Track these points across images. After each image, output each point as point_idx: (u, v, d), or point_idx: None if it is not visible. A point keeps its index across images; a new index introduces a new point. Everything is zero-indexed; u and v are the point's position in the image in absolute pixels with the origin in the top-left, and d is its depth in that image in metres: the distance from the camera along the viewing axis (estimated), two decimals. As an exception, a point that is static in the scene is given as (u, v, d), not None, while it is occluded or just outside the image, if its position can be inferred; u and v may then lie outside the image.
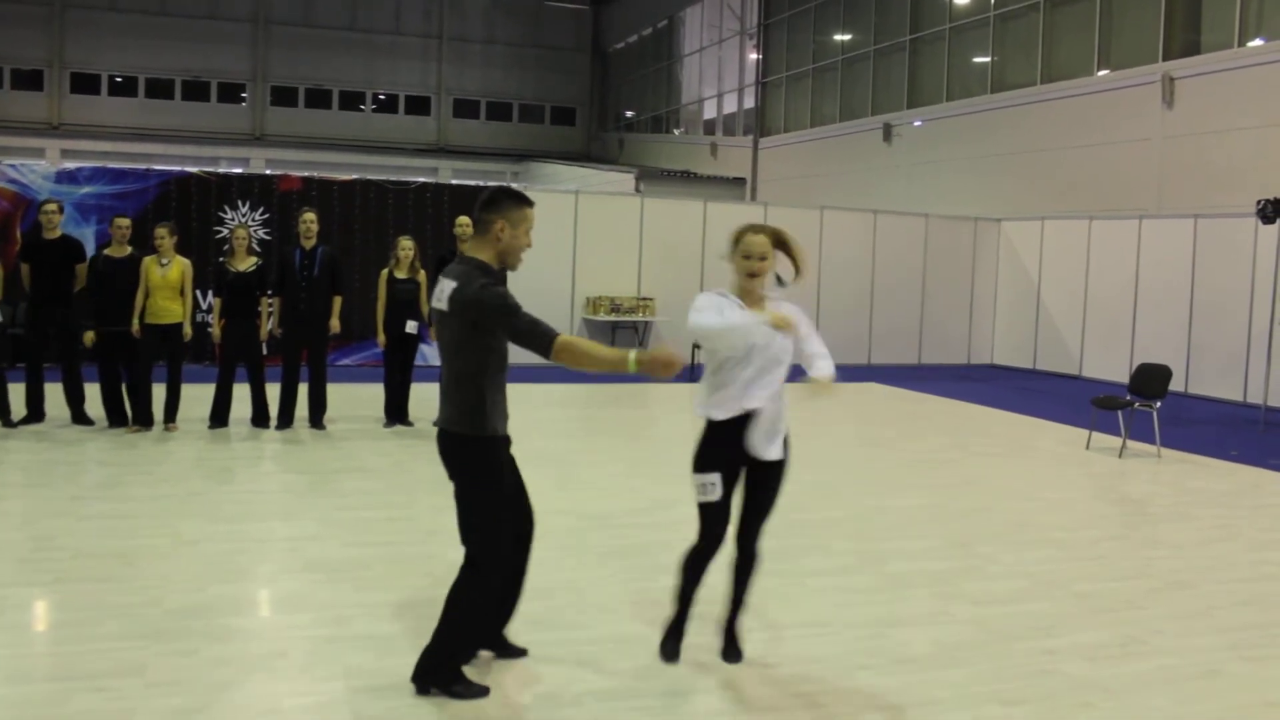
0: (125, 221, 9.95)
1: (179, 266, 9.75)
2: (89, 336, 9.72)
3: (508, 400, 4.29)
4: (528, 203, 4.31)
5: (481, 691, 4.24)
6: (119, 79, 38.24)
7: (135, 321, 9.64)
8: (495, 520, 4.19)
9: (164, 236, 9.70)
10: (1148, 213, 16.76)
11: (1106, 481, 9.35)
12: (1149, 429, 10.76)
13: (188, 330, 9.86)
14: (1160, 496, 8.82)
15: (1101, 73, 18.92)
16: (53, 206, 10.10)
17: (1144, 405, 10.59)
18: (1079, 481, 9.30)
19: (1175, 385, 12.38)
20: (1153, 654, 5.05)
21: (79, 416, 10.00)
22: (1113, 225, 16.92)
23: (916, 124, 23.90)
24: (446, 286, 4.14)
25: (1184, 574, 6.42)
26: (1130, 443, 10.71)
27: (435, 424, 4.33)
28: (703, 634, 4.88)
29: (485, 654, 4.59)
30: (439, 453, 4.26)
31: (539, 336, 4.01)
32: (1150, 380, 10.73)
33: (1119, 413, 10.85)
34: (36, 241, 10.01)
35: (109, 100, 38.15)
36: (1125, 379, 13.20)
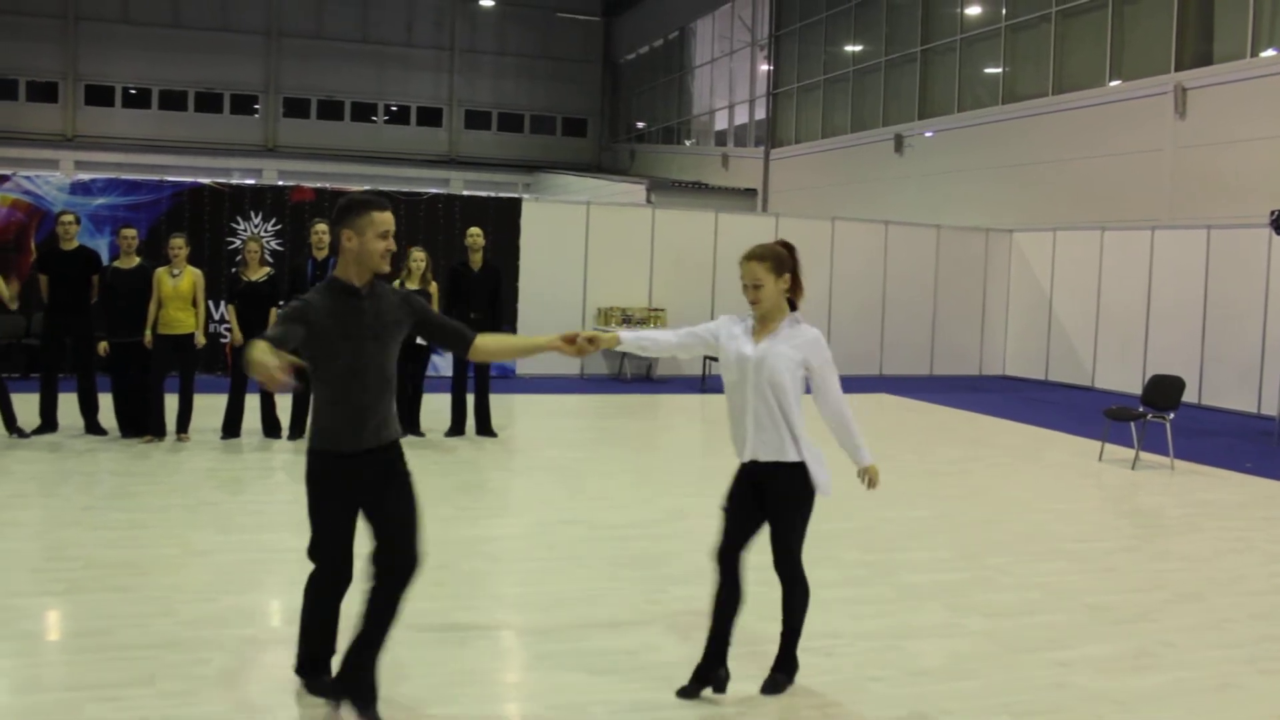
0: (131, 232, 9.99)
1: (190, 277, 9.78)
2: (102, 347, 9.77)
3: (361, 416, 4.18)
4: (372, 206, 4.08)
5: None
6: (133, 91, 38.44)
7: (147, 332, 9.68)
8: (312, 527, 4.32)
9: (180, 247, 9.74)
10: (1160, 223, 16.72)
11: (1119, 493, 9.31)
12: (1162, 440, 10.71)
13: (200, 340, 9.90)
14: (1173, 508, 8.78)
15: (1113, 83, 18.89)
16: (69, 217, 10.15)
17: (1157, 417, 10.55)
18: (1091, 493, 9.27)
19: (1188, 396, 12.33)
20: (1166, 667, 5.03)
21: (92, 426, 10.03)
22: (1125, 236, 16.88)
23: (928, 135, 23.89)
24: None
25: (1197, 586, 6.39)
26: (1143, 454, 10.66)
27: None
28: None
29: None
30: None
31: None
32: (1163, 391, 10.68)
33: (1132, 424, 10.80)
34: (54, 252, 10.06)
35: (123, 112, 38.34)
36: (1138, 390, 13.15)
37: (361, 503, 4.19)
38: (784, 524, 4.50)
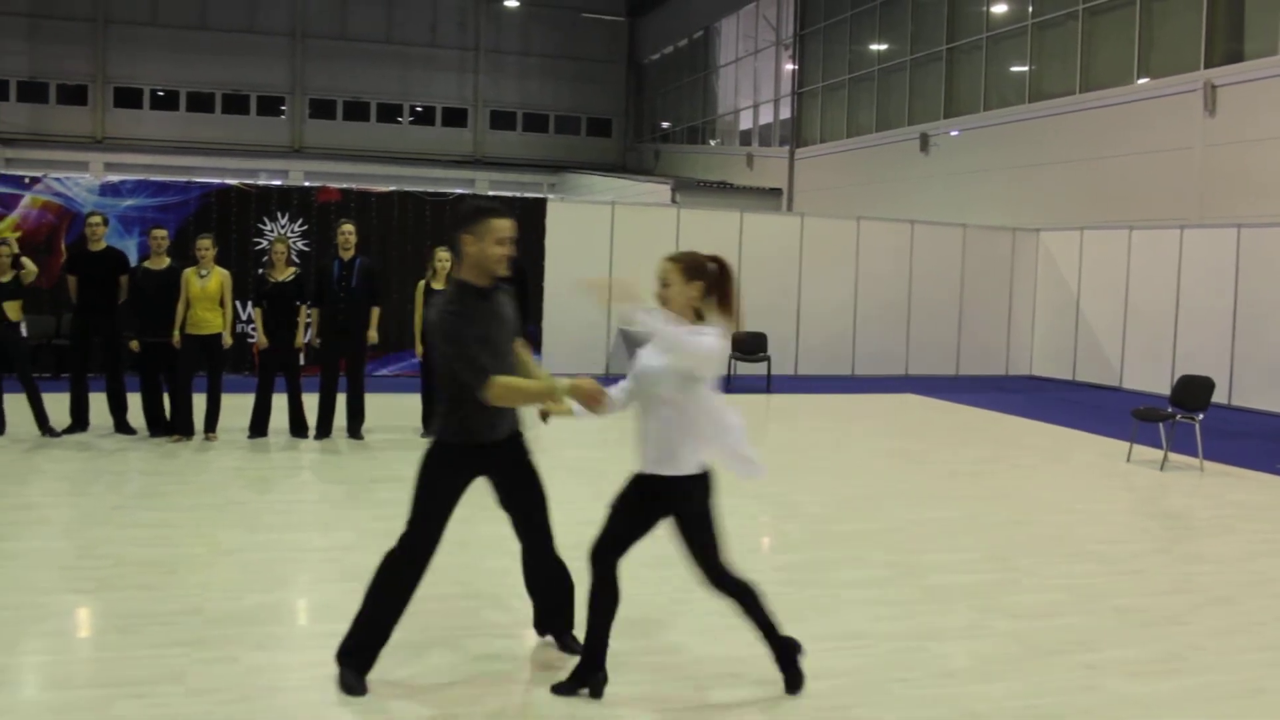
0: (162, 232, 10.08)
1: (218, 277, 9.85)
2: (134, 344, 9.86)
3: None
4: (492, 214, 4.34)
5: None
6: (160, 93, 38.74)
7: (176, 333, 9.75)
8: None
9: (207, 248, 9.81)
10: (1189, 222, 16.58)
11: (1147, 495, 9.25)
12: (1191, 442, 10.63)
13: (227, 340, 9.96)
14: (1202, 510, 8.71)
15: (1141, 80, 18.75)
16: (97, 219, 10.24)
17: (1186, 417, 10.47)
18: (1119, 494, 9.20)
19: (1218, 397, 12.23)
20: (1195, 670, 4.99)
21: (121, 426, 10.12)
22: (1153, 235, 16.75)
23: (953, 134, 23.78)
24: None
25: (1226, 589, 6.33)
26: (1172, 455, 10.58)
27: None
28: (738, 645, 4.87)
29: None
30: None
31: (474, 372, 4.17)
32: (1192, 392, 10.60)
33: (1160, 425, 10.72)
34: (82, 253, 10.16)
35: (151, 114, 38.64)
36: (1166, 391, 13.05)
37: (498, 491, 4.64)
38: (685, 542, 4.43)
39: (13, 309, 9.74)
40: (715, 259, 4.36)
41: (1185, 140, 17.51)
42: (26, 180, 14.46)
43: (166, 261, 9.96)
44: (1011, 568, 6.63)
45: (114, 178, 15.60)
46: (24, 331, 9.92)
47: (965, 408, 14.56)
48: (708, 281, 4.31)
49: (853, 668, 4.84)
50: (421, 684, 4.47)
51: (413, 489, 4.44)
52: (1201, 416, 10.46)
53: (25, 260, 9.93)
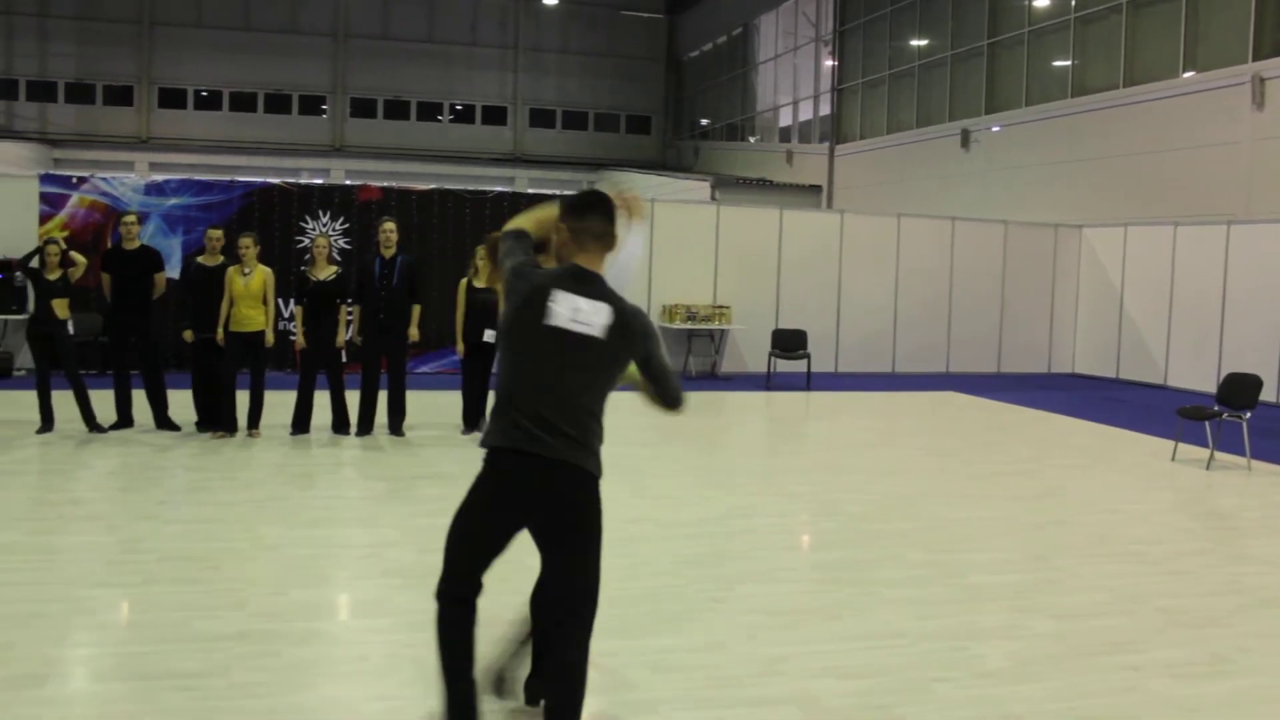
0: (218, 233, 10.23)
1: (261, 275, 9.96)
2: (188, 334, 10.00)
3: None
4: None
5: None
6: (204, 93, 39.17)
7: (220, 330, 9.87)
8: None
9: (249, 246, 9.92)
10: (1236, 218, 16.35)
11: (1193, 494, 9.13)
12: (1238, 440, 10.49)
13: (270, 338, 10.07)
14: (1249, 510, 8.60)
15: (1187, 74, 18.51)
16: (131, 218, 10.41)
17: (1233, 416, 10.33)
18: (1164, 494, 9.10)
19: (1266, 395, 12.06)
20: (1241, 673, 4.93)
21: (163, 422, 10.25)
22: (1199, 231, 16.53)
23: (995, 129, 23.58)
24: (595, 307, 3.57)
25: (1274, 591, 6.25)
26: (1218, 454, 10.45)
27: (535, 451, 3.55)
28: (776, 644, 4.86)
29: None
30: (556, 488, 3.58)
31: (675, 382, 3.73)
32: (1239, 390, 10.45)
33: (1206, 423, 10.58)
34: (116, 252, 10.31)
35: (195, 114, 39.09)
36: (1213, 389, 12.89)
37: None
38: None
39: (60, 307, 9.89)
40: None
41: (1233, 135, 17.26)
42: (74, 180, 14.68)
43: (221, 259, 10.10)
44: (1053, 567, 6.57)
45: (159, 177, 15.80)
46: (71, 329, 10.08)
47: (1007, 406, 14.44)
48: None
49: (891, 667, 4.82)
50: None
51: (593, 537, 3.68)
52: (1249, 415, 10.32)
53: (75, 255, 10.09)
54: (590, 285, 3.60)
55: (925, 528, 7.48)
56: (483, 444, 3.65)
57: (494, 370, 10.93)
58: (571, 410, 3.56)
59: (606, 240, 3.68)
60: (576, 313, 3.53)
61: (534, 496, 3.57)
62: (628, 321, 3.59)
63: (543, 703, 3.72)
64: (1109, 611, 5.73)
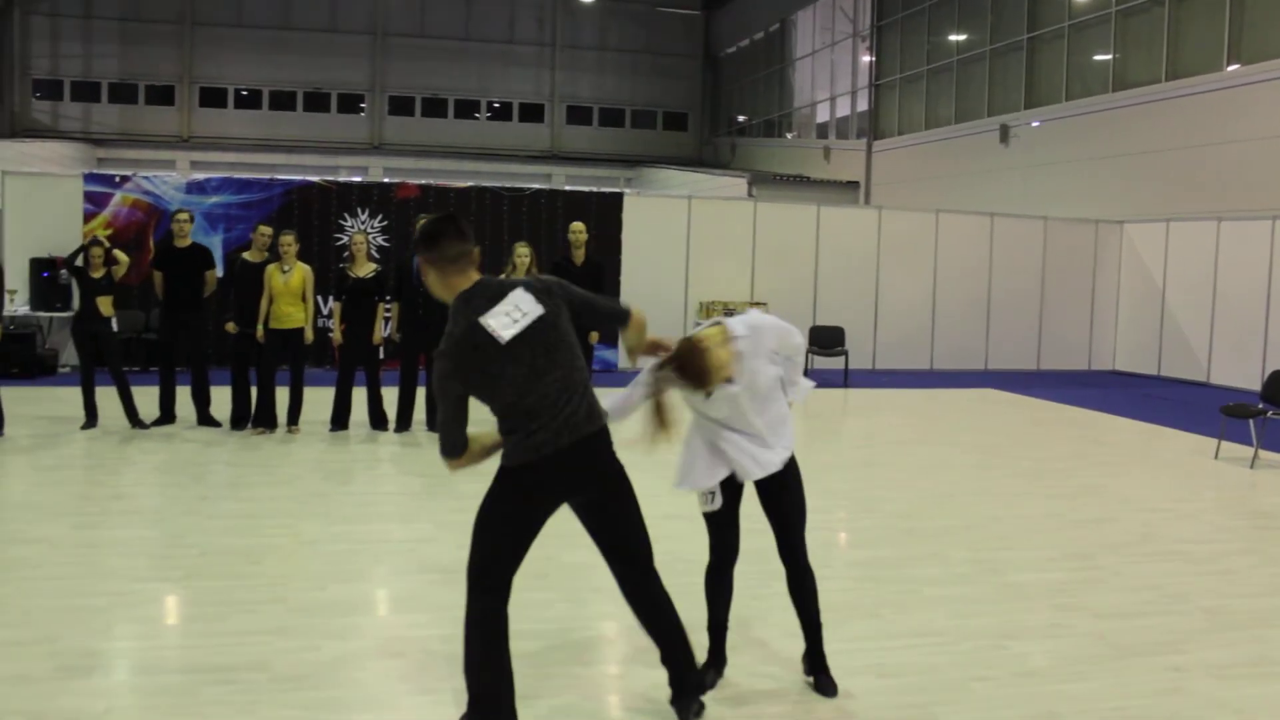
0: (268, 230, 10.33)
1: (300, 273, 10.03)
2: (230, 326, 10.09)
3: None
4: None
5: None
6: (244, 92, 39.53)
7: (259, 327, 9.96)
8: None
9: (290, 244, 9.99)
10: (1281, 213, 16.12)
11: (1237, 493, 9.01)
12: (1283, 438, 10.34)
13: (309, 335, 10.13)
14: (1295, 509, 8.47)
15: (1231, 67, 18.25)
16: (184, 216, 10.51)
17: (1277, 414, 10.18)
18: (1207, 493, 8.98)
19: (1311, 393, 11.86)
20: (1287, 673, 4.86)
21: (205, 418, 10.36)
22: (1243, 226, 16.30)
23: (1034, 125, 23.37)
24: (512, 301, 3.68)
25: (1321, 590, 6.15)
26: (1262, 453, 10.30)
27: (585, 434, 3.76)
28: (824, 641, 4.83)
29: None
30: (596, 459, 3.82)
31: (607, 303, 4.11)
32: (1284, 387, 10.31)
33: (1250, 421, 10.44)
34: (168, 249, 10.42)
35: (235, 113, 39.45)
36: (1257, 386, 12.70)
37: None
38: (792, 507, 4.50)
39: (104, 304, 10.02)
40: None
41: (1277, 128, 17.00)
42: (117, 179, 14.86)
43: (265, 255, 10.19)
44: (1095, 566, 6.50)
45: (200, 176, 15.95)
46: (115, 326, 10.20)
47: (1047, 403, 14.31)
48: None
49: (931, 665, 4.79)
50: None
51: (627, 486, 3.93)
52: (1294, 413, 10.17)
53: (118, 253, 10.21)
54: (489, 291, 3.69)
55: (965, 525, 7.42)
56: (510, 463, 3.74)
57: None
58: (568, 388, 3.72)
59: (462, 261, 3.72)
60: (507, 316, 3.64)
61: (570, 483, 3.78)
62: (544, 286, 3.74)
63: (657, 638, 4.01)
64: (1152, 611, 5.66)
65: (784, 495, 4.43)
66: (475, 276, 3.74)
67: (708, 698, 4.22)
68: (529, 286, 3.72)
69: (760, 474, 4.32)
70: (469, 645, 3.82)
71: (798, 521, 4.45)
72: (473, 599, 3.85)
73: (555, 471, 3.71)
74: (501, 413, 3.72)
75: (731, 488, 4.38)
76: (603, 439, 3.82)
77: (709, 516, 4.45)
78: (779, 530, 4.46)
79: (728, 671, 4.58)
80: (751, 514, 4.49)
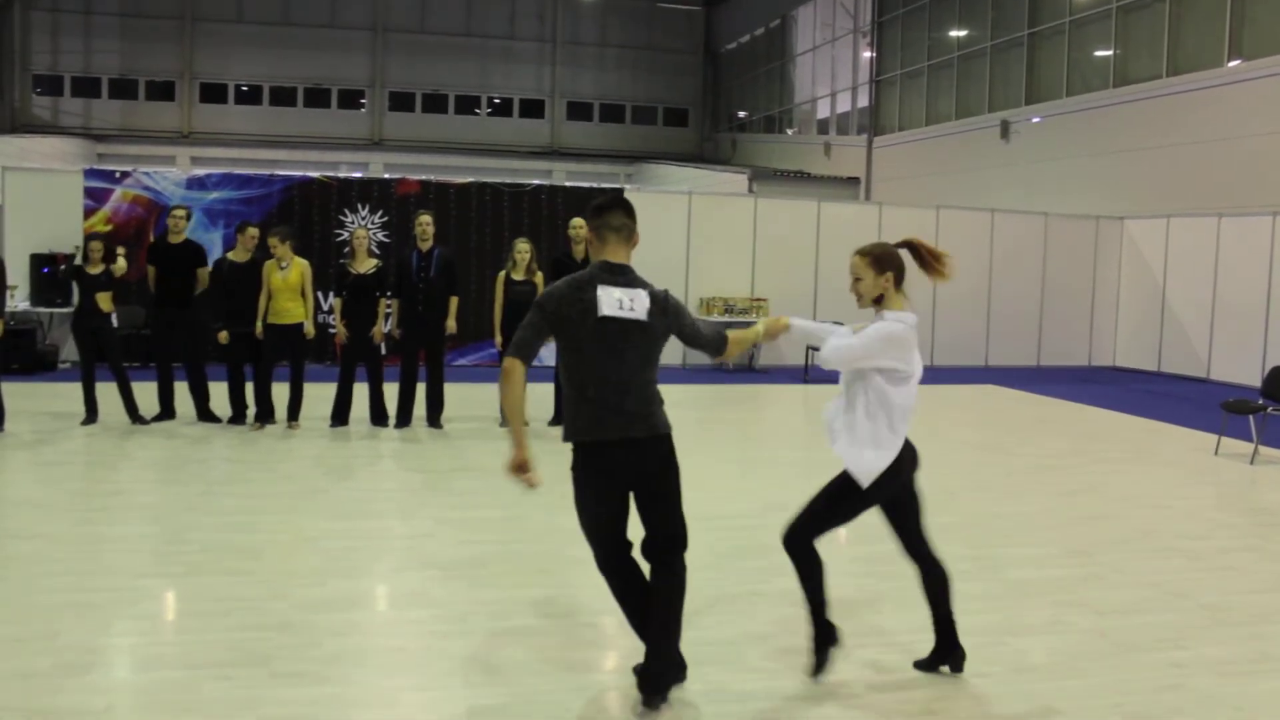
0: (254, 231, 10.31)
1: (298, 268, 10.02)
2: (222, 336, 10.07)
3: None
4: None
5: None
6: (245, 88, 39.52)
7: (259, 324, 9.95)
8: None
9: (276, 245, 9.97)
10: (1282, 209, 16.11)
11: (1237, 489, 9.01)
12: (1283, 435, 10.34)
13: (309, 330, 10.12)
14: (1295, 505, 8.47)
15: (1233, 63, 18.23)
16: (181, 212, 10.50)
17: (1278, 410, 10.18)
18: (1207, 489, 8.98)
19: (1312, 389, 11.85)
20: (1287, 669, 4.86)
21: (204, 414, 10.36)
22: (1244, 223, 16.29)
23: (1035, 121, 23.35)
24: (633, 295, 4.10)
25: (1321, 586, 6.15)
26: (1263, 449, 10.30)
27: (628, 434, 4.10)
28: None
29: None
30: (648, 458, 4.15)
31: (712, 331, 4.42)
32: (1285, 384, 10.30)
33: (1251, 417, 10.44)
34: (162, 245, 10.41)
35: (235, 109, 39.45)
36: (1257, 382, 12.70)
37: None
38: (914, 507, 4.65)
39: (104, 300, 10.01)
40: (907, 243, 4.51)
41: (1279, 124, 16.98)
42: (117, 175, 14.86)
43: (249, 256, 10.17)
44: (1095, 563, 6.50)
45: (200, 171, 15.95)
46: (115, 322, 10.19)
47: (1047, 399, 14.32)
48: (898, 271, 4.41)
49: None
50: (499, 679, 4.50)
51: (677, 485, 4.27)
52: (1295, 409, 10.17)
53: (120, 259, 10.18)
54: (623, 275, 4.13)
55: (966, 522, 7.42)
56: (571, 439, 4.16)
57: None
58: (639, 387, 4.11)
59: (624, 232, 4.20)
60: (620, 303, 4.04)
61: (633, 473, 4.14)
62: (664, 302, 4.16)
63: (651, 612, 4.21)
64: (1153, 607, 5.67)
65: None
66: (625, 257, 4.20)
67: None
68: (657, 297, 4.14)
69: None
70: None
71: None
72: (603, 573, 4.33)
73: (621, 459, 4.10)
74: (573, 380, 4.11)
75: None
76: (658, 446, 4.18)
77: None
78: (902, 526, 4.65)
79: (728, 666, 4.57)
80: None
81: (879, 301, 4.44)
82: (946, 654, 4.63)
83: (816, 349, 4.56)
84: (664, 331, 4.16)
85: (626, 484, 4.15)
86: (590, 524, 4.21)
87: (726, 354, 4.42)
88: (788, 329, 4.68)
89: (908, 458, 4.48)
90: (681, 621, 4.21)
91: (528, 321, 4.08)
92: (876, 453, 4.36)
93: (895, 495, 4.52)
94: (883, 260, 4.41)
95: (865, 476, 4.36)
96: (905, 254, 4.48)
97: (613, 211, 4.19)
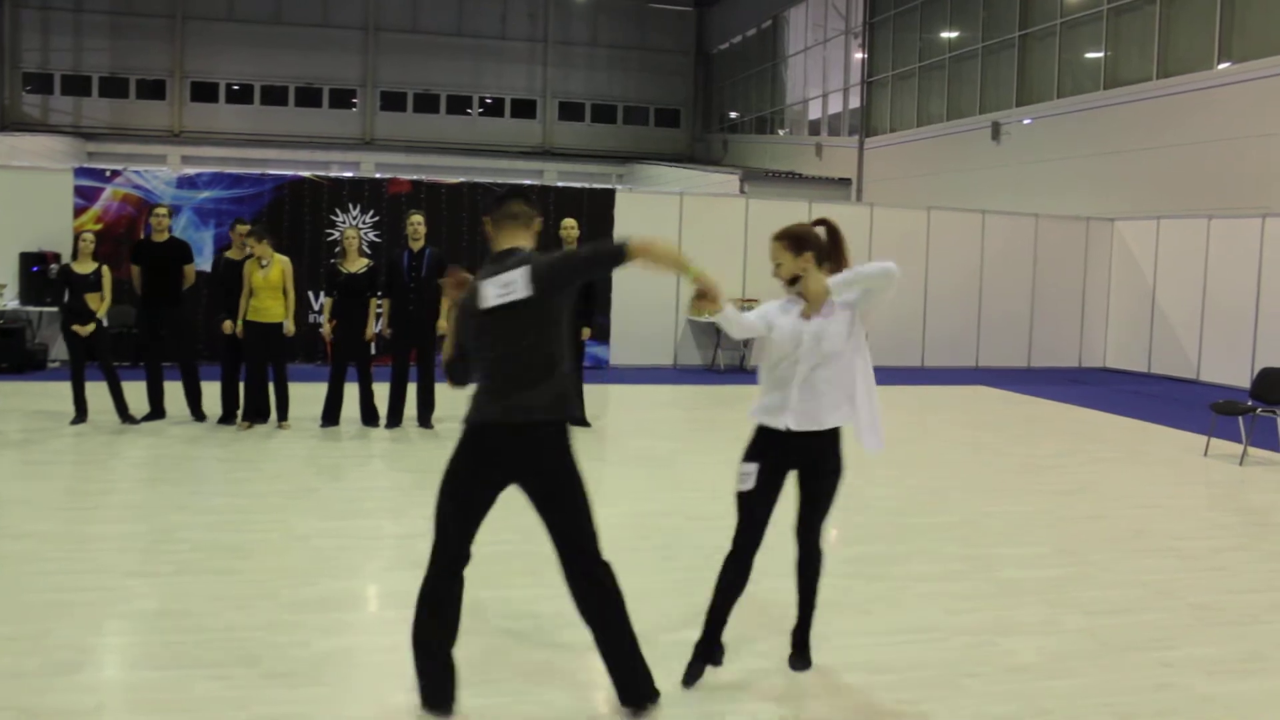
0: (246, 228, 10.29)
1: (279, 266, 9.98)
2: (227, 326, 10.05)
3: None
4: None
5: None
6: (236, 87, 39.44)
7: (239, 322, 9.92)
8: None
9: (253, 244, 9.93)
10: (1272, 211, 16.15)
11: (1226, 490, 9.04)
12: (1272, 436, 10.37)
13: (290, 328, 10.06)
14: (1284, 506, 8.50)
15: (1222, 65, 18.30)
16: (163, 210, 10.50)
17: (1267, 411, 10.22)
18: (1197, 489, 9.01)
19: (1300, 390, 11.90)
20: (1277, 671, 4.87)
21: (195, 413, 10.34)
22: (1234, 224, 16.35)
23: (1026, 122, 23.41)
24: (512, 276, 3.87)
25: (1310, 587, 6.17)
26: (1252, 450, 10.34)
27: (515, 419, 3.89)
28: (815, 638, 4.84)
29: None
30: (543, 449, 3.90)
31: (595, 248, 4.06)
32: (1273, 385, 10.33)
33: (1240, 419, 10.47)
34: (146, 244, 10.40)
35: (226, 108, 39.36)
36: (1246, 384, 12.74)
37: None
38: (824, 492, 4.50)
39: (94, 300, 9.97)
40: (822, 221, 4.46)
41: (1269, 126, 17.04)
42: (108, 173, 14.81)
43: (246, 253, 10.16)
44: (1086, 563, 6.52)
45: (190, 170, 15.90)
46: (105, 321, 10.16)
47: (1038, 400, 14.35)
48: (817, 250, 4.38)
49: (922, 661, 4.79)
50: (488, 679, 4.50)
51: (577, 485, 3.99)
52: (1284, 410, 10.20)
53: (106, 293, 10.05)
54: (505, 260, 3.97)
55: (957, 522, 7.43)
56: (469, 420, 4.00)
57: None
58: (538, 367, 3.89)
59: (521, 219, 4.05)
60: (499, 291, 3.88)
61: (518, 464, 3.92)
62: (536, 267, 3.88)
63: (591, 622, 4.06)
64: (1143, 607, 5.68)
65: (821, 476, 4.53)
66: (523, 242, 4.03)
67: (701, 686, 4.21)
68: (538, 266, 3.88)
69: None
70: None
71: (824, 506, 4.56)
72: (430, 571, 4.05)
73: (498, 445, 3.92)
74: (480, 371, 4.00)
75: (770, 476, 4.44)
76: (555, 431, 3.92)
77: (740, 497, 4.54)
78: (802, 508, 4.56)
79: (726, 666, 4.57)
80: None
81: (796, 282, 4.37)
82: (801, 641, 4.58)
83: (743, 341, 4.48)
84: (555, 297, 3.87)
85: (505, 474, 3.93)
86: (440, 517, 3.99)
87: (631, 257, 3.90)
88: (718, 306, 4.20)
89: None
90: (632, 632, 4.00)
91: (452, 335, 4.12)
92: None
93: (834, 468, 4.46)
94: (800, 240, 4.37)
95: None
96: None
97: (511, 200, 4.07)
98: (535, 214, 4.09)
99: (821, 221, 4.45)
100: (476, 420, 3.96)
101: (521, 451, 3.89)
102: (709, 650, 4.47)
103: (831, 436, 4.40)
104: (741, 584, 4.44)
